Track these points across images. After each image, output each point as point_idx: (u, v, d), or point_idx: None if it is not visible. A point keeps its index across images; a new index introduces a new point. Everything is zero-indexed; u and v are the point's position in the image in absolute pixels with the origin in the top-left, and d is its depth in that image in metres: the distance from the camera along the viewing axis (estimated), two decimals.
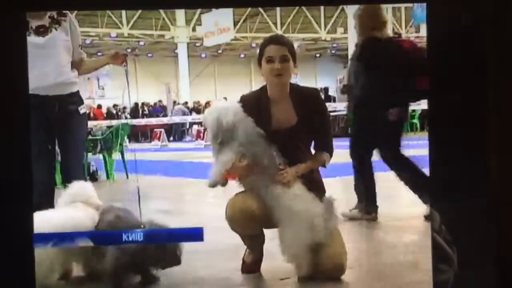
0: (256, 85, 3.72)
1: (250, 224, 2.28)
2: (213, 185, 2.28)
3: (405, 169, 3.29)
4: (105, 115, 15.80)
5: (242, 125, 2.30)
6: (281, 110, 2.37)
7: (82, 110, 2.85)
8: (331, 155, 2.41)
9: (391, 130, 3.30)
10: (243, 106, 2.34)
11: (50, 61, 2.72)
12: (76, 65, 2.85)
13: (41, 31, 2.71)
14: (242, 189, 2.37)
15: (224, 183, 2.29)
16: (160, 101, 18.51)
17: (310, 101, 2.38)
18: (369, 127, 3.34)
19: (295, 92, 2.38)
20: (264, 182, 2.28)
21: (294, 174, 2.29)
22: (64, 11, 2.76)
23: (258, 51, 2.42)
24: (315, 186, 2.34)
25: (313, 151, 2.44)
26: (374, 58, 3.28)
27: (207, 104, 16.28)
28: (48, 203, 2.63)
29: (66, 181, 2.83)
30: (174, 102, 18.05)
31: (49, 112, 2.70)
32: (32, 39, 2.63)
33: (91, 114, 13.90)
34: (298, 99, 2.37)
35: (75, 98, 2.83)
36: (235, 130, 2.29)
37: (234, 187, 2.36)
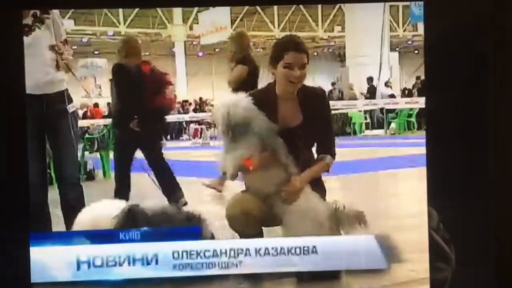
0: None
1: (250, 224, 2.28)
2: (233, 178, 2.28)
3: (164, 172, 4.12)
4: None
5: (256, 119, 2.28)
6: (287, 109, 2.36)
7: (71, 108, 2.83)
8: (333, 158, 2.39)
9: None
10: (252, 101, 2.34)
11: (34, 60, 2.69)
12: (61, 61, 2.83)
13: (25, 30, 2.68)
14: (243, 187, 2.38)
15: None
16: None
17: (315, 101, 2.38)
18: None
19: (302, 91, 2.38)
20: (274, 180, 2.27)
21: (302, 183, 2.29)
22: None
23: (273, 51, 2.38)
24: (317, 186, 2.34)
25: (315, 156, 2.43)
26: (118, 81, 4.08)
27: (204, 103, 16.21)
28: (41, 202, 2.62)
29: (59, 180, 2.82)
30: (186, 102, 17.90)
31: (37, 111, 2.68)
32: None
33: (88, 113, 13.82)
34: (304, 99, 2.37)
35: (63, 97, 2.81)
36: (248, 125, 2.27)
37: (233, 186, 2.36)
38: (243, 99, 2.34)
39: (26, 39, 2.66)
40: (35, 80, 2.68)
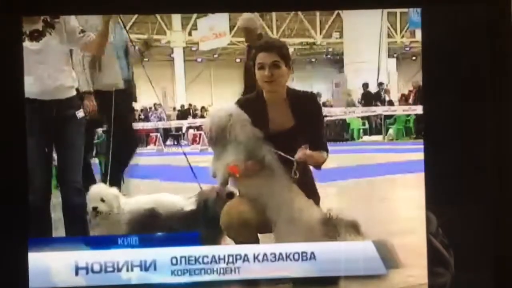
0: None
1: (246, 231, 2.28)
2: (224, 184, 2.30)
3: None
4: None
5: (238, 127, 2.29)
6: (278, 113, 2.37)
7: (80, 114, 2.84)
8: (327, 155, 2.40)
9: None
10: (240, 108, 2.34)
11: (45, 66, 2.70)
12: (88, 47, 2.85)
13: (35, 36, 2.69)
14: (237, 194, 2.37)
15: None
16: (159, 104, 18.27)
17: (307, 105, 2.39)
18: None
19: (292, 95, 2.38)
20: (265, 187, 2.27)
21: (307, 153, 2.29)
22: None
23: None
24: (311, 192, 2.34)
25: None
26: None
27: (202, 108, 16.25)
28: (44, 207, 2.61)
29: (61, 184, 2.83)
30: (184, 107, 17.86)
31: (46, 116, 2.69)
32: (26, 45, 2.58)
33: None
34: (295, 103, 2.37)
35: (73, 103, 2.82)
36: (231, 132, 2.28)
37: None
38: (228, 106, 2.35)
39: (36, 45, 2.67)
40: (45, 86, 2.69)
